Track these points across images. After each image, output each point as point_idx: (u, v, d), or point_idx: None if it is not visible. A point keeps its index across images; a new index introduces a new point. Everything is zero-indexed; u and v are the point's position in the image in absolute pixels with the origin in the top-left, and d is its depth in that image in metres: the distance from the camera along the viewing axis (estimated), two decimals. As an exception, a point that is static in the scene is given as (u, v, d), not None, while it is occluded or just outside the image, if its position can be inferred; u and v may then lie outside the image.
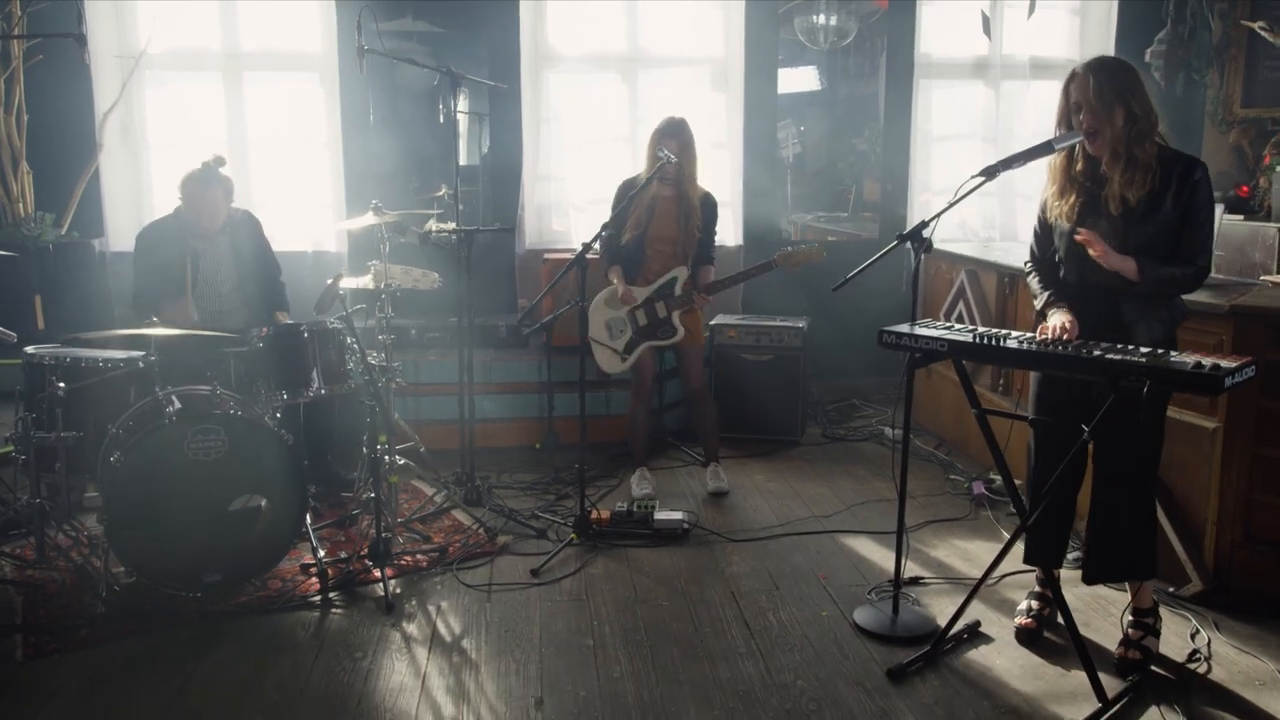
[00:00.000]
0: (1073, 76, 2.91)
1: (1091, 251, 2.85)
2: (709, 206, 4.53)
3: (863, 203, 6.57)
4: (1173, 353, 2.62)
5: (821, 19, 6.32)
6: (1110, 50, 6.38)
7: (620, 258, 4.47)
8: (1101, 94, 2.82)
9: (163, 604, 3.40)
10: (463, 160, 6.02)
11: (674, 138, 4.27)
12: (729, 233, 6.22)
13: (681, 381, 4.72)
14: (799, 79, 6.45)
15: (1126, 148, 2.85)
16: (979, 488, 4.55)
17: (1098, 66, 2.87)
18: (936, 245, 5.80)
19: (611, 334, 4.47)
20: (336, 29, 5.62)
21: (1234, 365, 2.47)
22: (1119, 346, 2.71)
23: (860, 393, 6.30)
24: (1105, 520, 3.04)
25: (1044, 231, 3.15)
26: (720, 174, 6.19)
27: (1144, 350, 2.64)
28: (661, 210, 4.39)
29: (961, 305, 5.20)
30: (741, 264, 5.94)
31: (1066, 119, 2.94)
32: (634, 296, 4.43)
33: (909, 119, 6.40)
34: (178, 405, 3.50)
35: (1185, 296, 3.03)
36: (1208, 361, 2.49)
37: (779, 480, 4.86)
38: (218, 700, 2.90)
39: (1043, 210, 3.14)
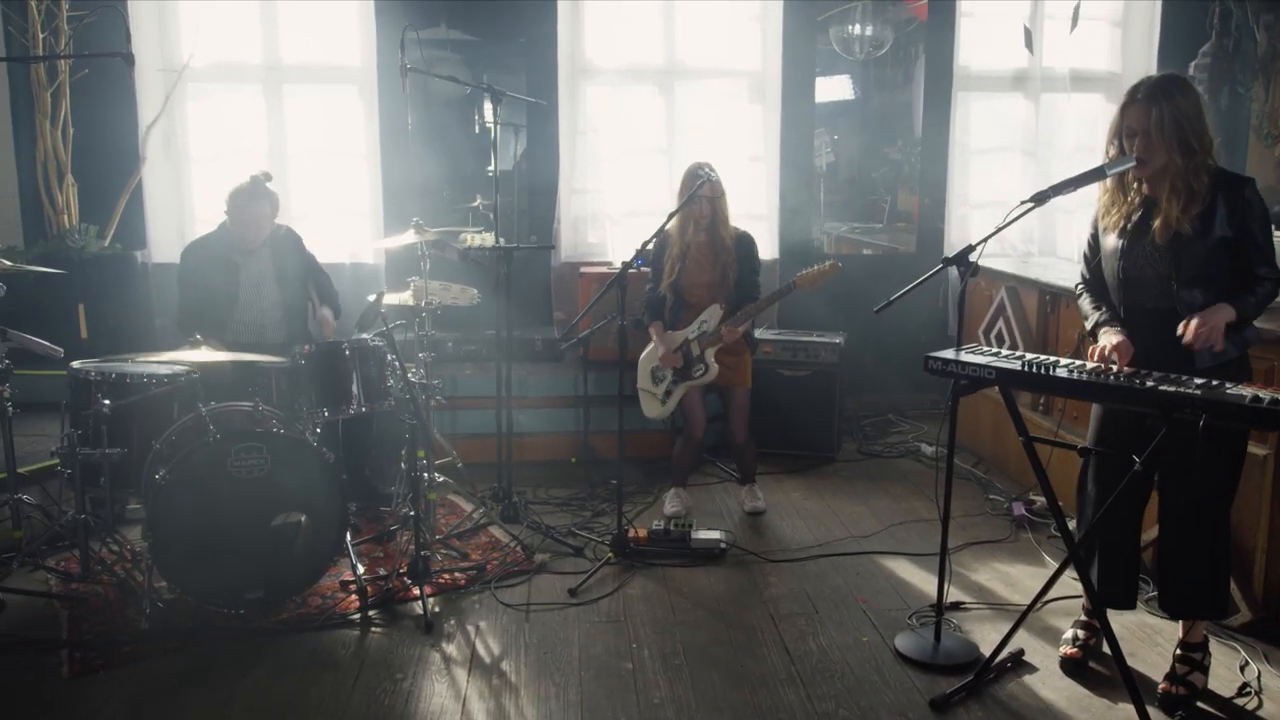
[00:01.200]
0: (1132, 99, 2.83)
1: (1190, 340, 2.73)
2: (744, 244, 4.45)
3: (897, 213, 6.53)
4: (1228, 384, 2.57)
5: (857, 29, 6.30)
6: (1153, 64, 6.31)
7: (660, 310, 4.47)
8: (1162, 128, 2.76)
9: (205, 620, 3.43)
10: (498, 170, 6.03)
11: (700, 180, 4.22)
12: (764, 247, 6.16)
13: (726, 430, 4.66)
14: (833, 88, 6.42)
15: (1185, 181, 2.79)
16: (1019, 509, 4.50)
17: (1159, 94, 2.79)
18: (976, 260, 5.77)
19: (655, 380, 4.51)
20: (376, 42, 5.66)
21: (1292, 400, 2.41)
22: (1173, 377, 2.66)
23: (897, 408, 6.25)
24: (1171, 556, 2.98)
25: (1094, 255, 3.10)
26: (756, 187, 6.18)
27: (1199, 381, 2.59)
28: (695, 255, 4.38)
29: (1001, 323, 5.15)
30: (778, 277, 5.92)
31: (1119, 138, 2.89)
32: (672, 356, 4.43)
33: (947, 132, 6.35)
34: (221, 423, 3.53)
35: None
36: (1265, 395, 2.43)
37: (816, 498, 4.83)
38: (261, 718, 2.91)
39: (1093, 233, 3.09)
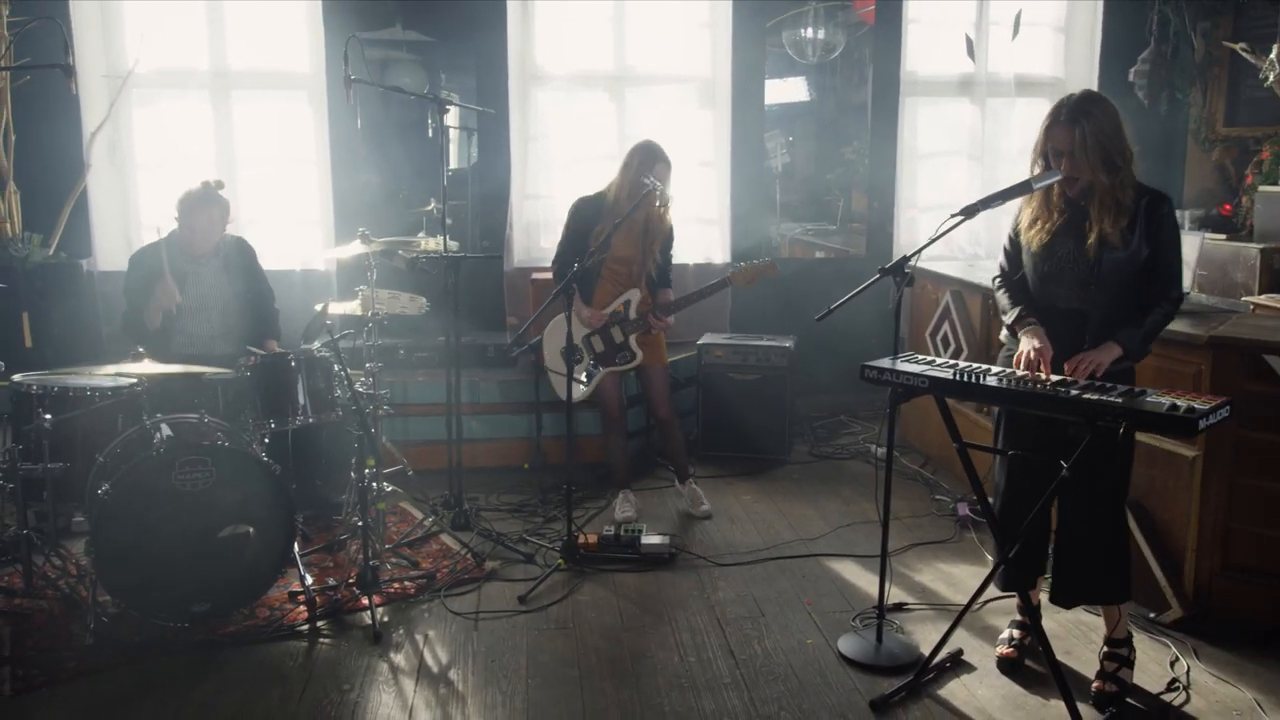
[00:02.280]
0: (1055, 120, 2.92)
1: (1073, 376, 2.89)
2: (671, 233, 4.54)
3: (851, 214, 6.61)
4: (1149, 392, 2.66)
5: (809, 33, 6.36)
6: (1094, 69, 6.45)
7: (580, 286, 4.43)
8: (1086, 148, 2.86)
9: (151, 635, 3.41)
10: (452, 171, 6.04)
11: (661, 163, 4.28)
12: (716, 251, 6.26)
13: (648, 409, 4.70)
14: (787, 90, 6.48)
15: (1113, 197, 2.89)
16: (963, 509, 4.59)
17: (1079, 114, 2.88)
18: (922, 264, 5.86)
19: (569, 363, 4.47)
20: (325, 49, 5.63)
21: (1208, 407, 2.50)
22: (1096, 385, 2.76)
23: (848, 409, 6.33)
24: (1073, 544, 3.08)
25: (1014, 250, 3.20)
26: (708, 192, 6.23)
27: (1121, 389, 2.68)
28: (623, 231, 4.33)
29: (947, 326, 5.24)
30: (729, 282, 5.97)
31: (1044, 155, 2.98)
32: (602, 316, 4.42)
33: (895, 136, 6.45)
34: (166, 435, 3.51)
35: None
36: (1183, 403, 2.53)
37: (765, 501, 4.90)
38: (206, 735, 2.92)
39: (1014, 230, 3.18)
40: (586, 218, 4.41)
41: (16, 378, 3.72)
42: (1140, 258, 2.94)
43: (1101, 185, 2.89)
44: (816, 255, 6.58)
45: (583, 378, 4.45)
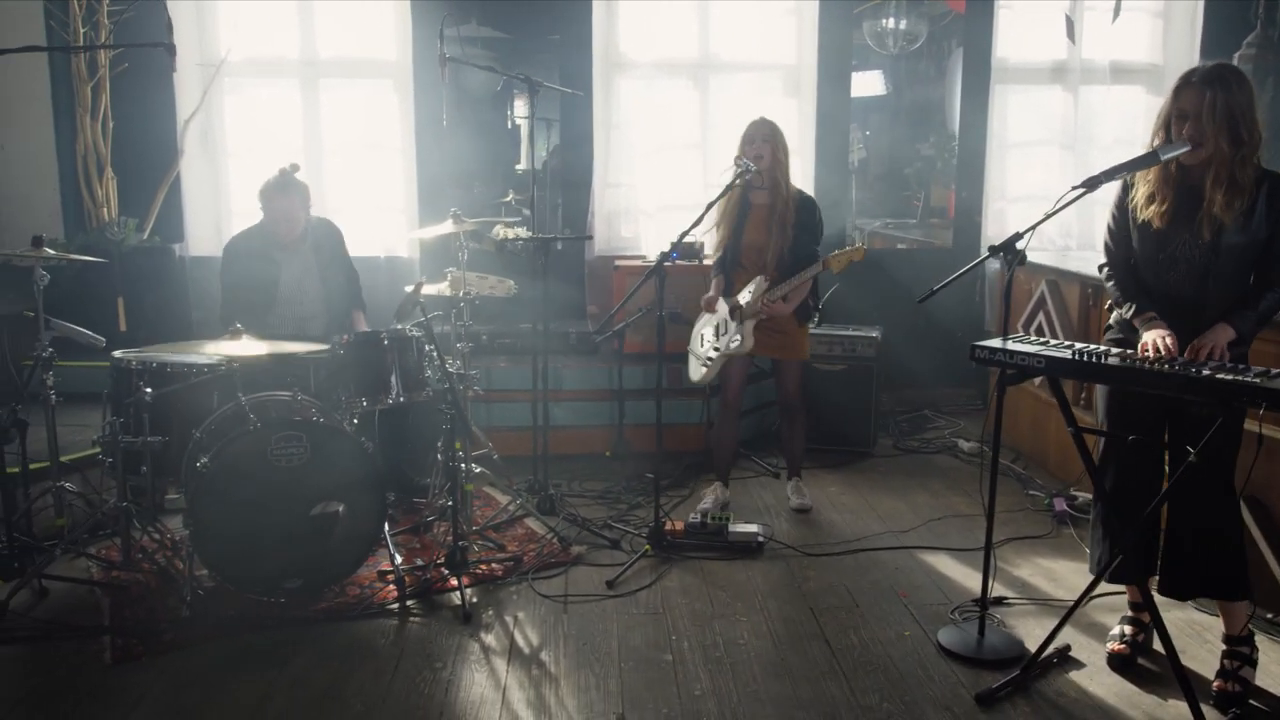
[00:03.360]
0: (1187, 82, 2.80)
1: (1202, 349, 2.75)
2: (806, 208, 4.33)
3: (930, 209, 6.46)
4: (1273, 370, 2.51)
5: (891, 23, 6.24)
6: (1195, 55, 6.21)
7: (725, 268, 4.38)
8: (1214, 113, 2.73)
9: (245, 609, 3.44)
10: (531, 165, 6.02)
11: (758, 140, 4.17)
12: (800, 240, 6.15)
13: (777, 392, 4.60)
14: (864, 83, 6.36)
15: (1230, 171, 2.75)
16: (1060, 504, 4.43)
17: (1215, 80, 2.76)
18: (1014, 254, 5.70)
19: (702, 343, 4.42)
20: (411, 36, 5.66)
21: (1353, 387, 2.36)
22: (1228, 366, 2.62)
23: (932, 403, 6.18)
24: (1185, 533, 2.94)
25: (1120, 231, 3.06)
26: (792, 180, 6.11)
27: (1255, 370, 2.54)
28: (755, 217, 4.26)
29: (1041, 316, 5.08)
30: (813, 271, 5.88)
31: (1167, 124, 2.84)
32: (714, 306, 4.35)
33: (985, 125, 6.28)
34: (261, 411, 3.54)
35: None
36: (1325, 382, 2.38)
37: (853, 493, 4.79)
38: (302, 707, 2.91)
39: (1119, 208, 3.04)
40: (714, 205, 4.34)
41: (117, 354, 3.78)
42: (1259, 242, 2.81)
43: (1222, 155, 2.75)
44: (898, 247, 6.43)
45: (705, 355, 4.37)
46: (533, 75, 5.81)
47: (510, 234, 4.52)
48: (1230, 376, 2.49)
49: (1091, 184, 2.83)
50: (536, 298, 4.56)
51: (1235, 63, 6.00)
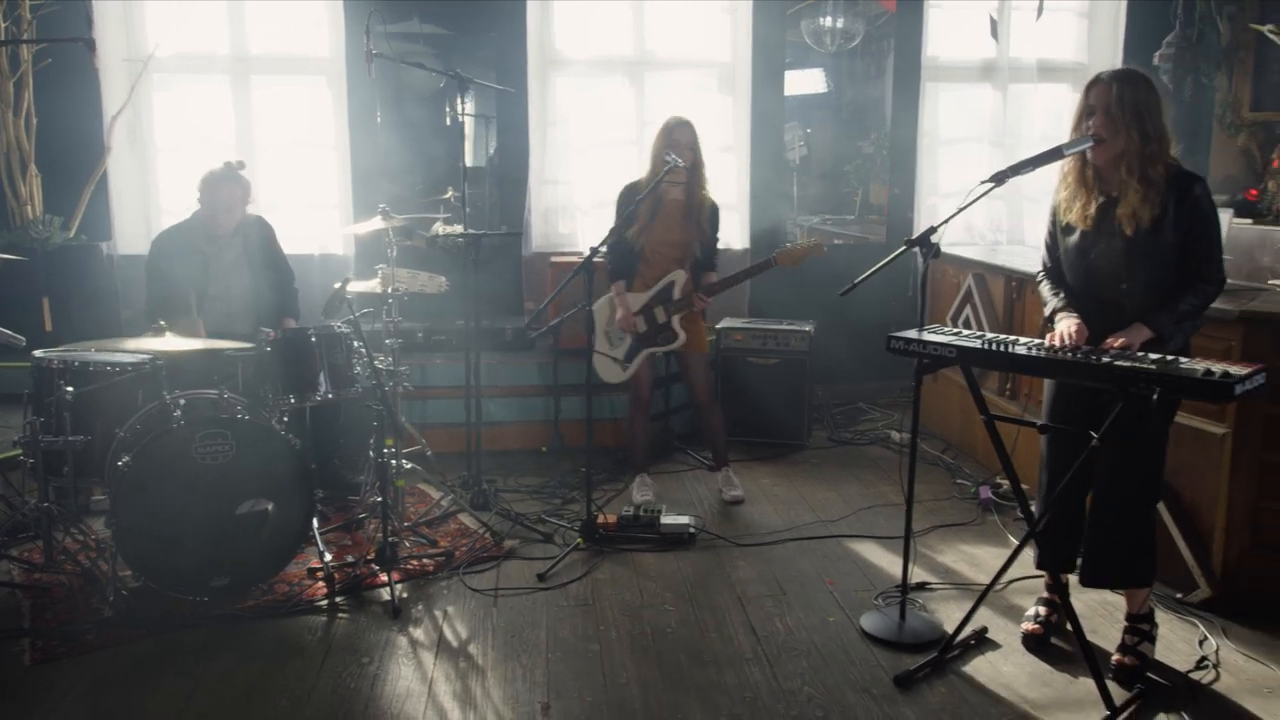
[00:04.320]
0: (1095, 81, 2.90)
1: (1114, 344, 2.83)
2: (715, 212, 4.48)
3: (869, 205, 6.56)
4: (1183, 360, 2.61)
5: (828, 21, 6.32)
6: (1118, 53, 6.38)
7: (624, 268, 4.43)
8: (1123, 105, 2.82)
9: (170, 608, 3.41)
10: (469, 162, 6.03)
11: (684, 141, 4.24)
12: (735, 236, 6.23)
13: (688, 392, 4.67)
14: (805, 81, 6.43)
15: (1140, 165, 2.84)
16: (986, 492, 4.54)
17: (1124, 77, 2.87)
18: (944, 249, 5.81)
19: (611, 343, 4.44)
20: (344, 32, 5.62)
21: (1244, 373, 2.46)
22: (1128, 353, 2.71)
23: (866, 396, 6.29)
24: (1105, 525, 3.04)
25: (1054, 244, 3.15)
26: (727, 177, 6.19)
27: (1153, 357, 2.64)
28: (667, 212, 4.35)
29: (969, 309, 5.19)
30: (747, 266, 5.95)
31: (1081, 123, 2.94)
32: (631, 320, 4.40)
33: (916, 122, 6.40)
34: (185, 409, 3.51)
35: None
36: (1218, 369, 2.48)
37: (785, 485, 4.86)
38: (225, 705, 2.90)
39: (1052, 222, 3.13)
40: (624, 204, 4.39)
41: (38, 353, 3.72)
42: (1174, 245, 2.88)
43: (1133, 147, 2.84)
44: (834, 242, 6.52)
45: (622, 358, 4.41)
46: (473, 71, 5.81)
47: (443, 230, 4.51)
48: (1128, 363, 2.58)
49: (999, 178, 2.91)
50: (470, 293, 4.56)
51: (1155, 62, 6.24)
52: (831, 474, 5.02)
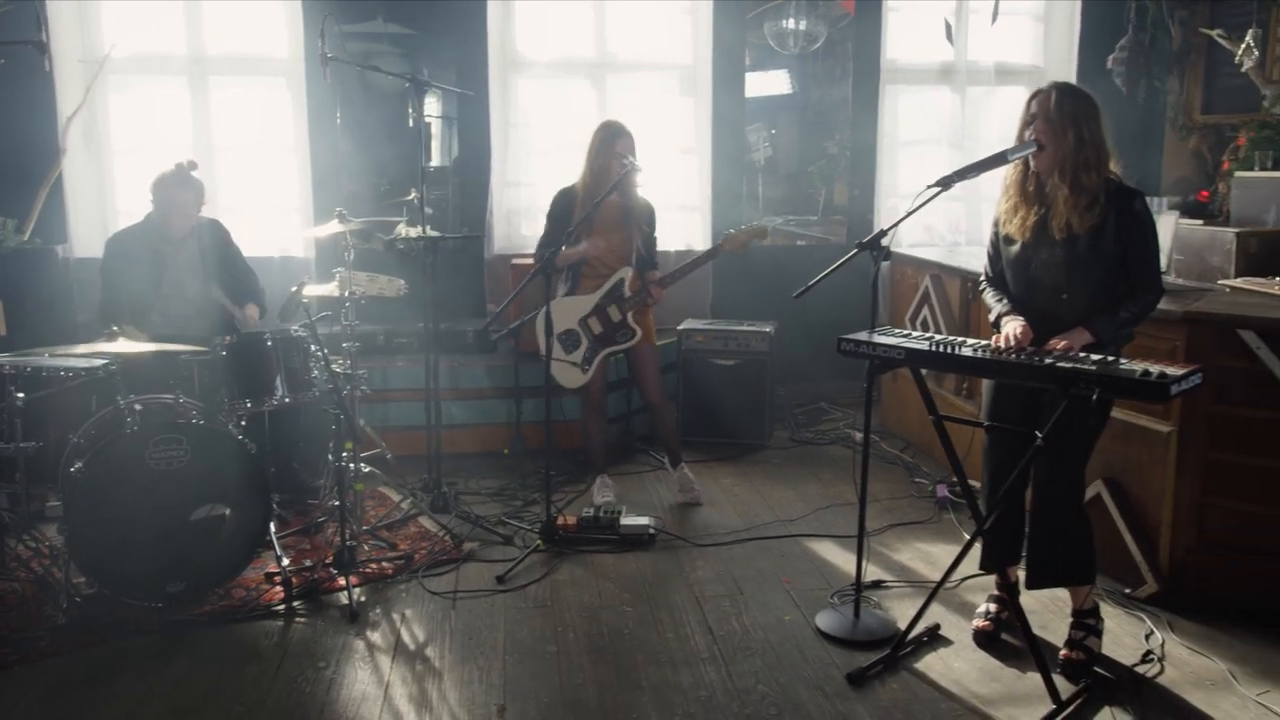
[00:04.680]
0: (1037, 91, 2.98)
1: (1056, 346, 2.88)
2: (650, 211, 4.53)
3: (833, 206, 6.61)
4: (1122, 360, 2.67)
5: (791, 23, 6.36)
6: (1073, 57, 6.48)
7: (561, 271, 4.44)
8: (1061, 110, 2.89)
9: (125, 614, 3.39)
10: (434, 163, 6.03)
11: (629, 140, 4.29)
12: (697, 238, 6.26)
13: (640, 391, 4.68)
14: (770, 82, 6.48)
15: (1074, 170, 2.90)
16: (943, 490, 4.60)
17: (1064, 88, 2.95)
18: (903, 250, 5.89)
19: (566, 349, 4.45)
20: (303, 34, 5.59)
21: (1180, 373, 2.52)
22: (1071, 355, 2.77)
23: (828, 396, 6.34)
24: (1045, 525, 3.09)
25: (996, 254, 3.21)
26: (689, 179, 6.23)
27: (1094, 358, 2.69)
28: (604, 215, 4.36)
29: (926, 310, 5.26)
30: (710, 269, 5.99)
31: (1023, 131, 3.00)
32: (600, 245, 4.40)
33: (875, 124, 6.46)
34: (139, 414, 3.49)
35: None
36: (1155, 369, 2.54)
37: (745, 484, 4.90)
38: (179, 711, 2.90)
39: (995, 232, 3.19)
40: (565, 208, 4.41)
41: (-12, 358, 3.68)
42: (1114, 256, 2.94)
43: (1067, 151, 2.90)
44: (798, 243, 6.58)
45: (580, 362, 4.43)
46: (438, 72, 5.82)
47: (403, 233, 4.51)
48: (1069, 364, 2.64)
49: (944, 183, 2.96)
50: (429, 296, 4.56)
51: (1109, 65, 6.34)
52: (792, 473, 5.06)
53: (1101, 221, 2.92)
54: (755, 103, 6.42)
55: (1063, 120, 2.88)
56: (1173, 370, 2.54)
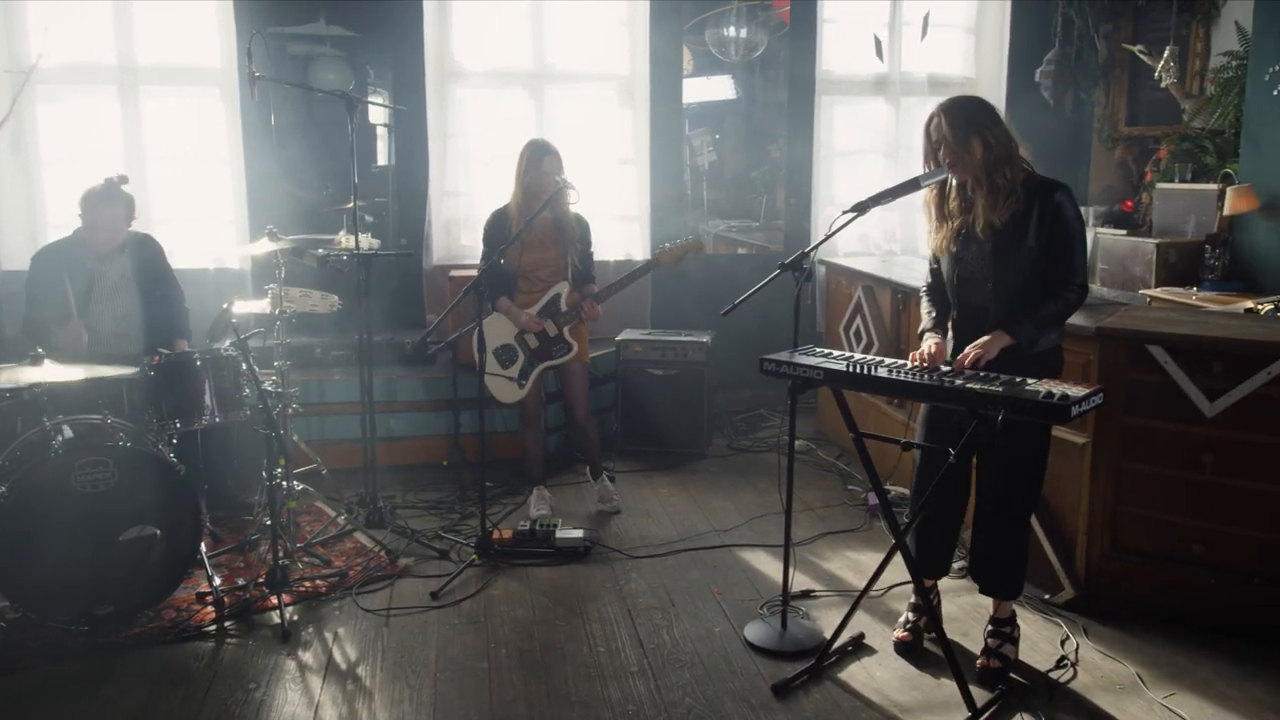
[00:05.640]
0: (930, 119, 3.06)
1: (970, 354, 2.97)
2: (584, 225, 4.57)
3: (775, 211, 6.71)
4: (1029, 381, 2.76)
5: (732, 31, 6.44)
6: (1003, 69, 6.63)
7: (497, 293, 4.45)
8: (956, 130, 2.98)
9: (53, 639, 3.36)
10: (374, 173, 6.01)
11: (556, 156, 4.34)
12: (636, 248, 6.31)
13: (566, 407, 4.70)
14: (715, 88, 6.55)
15: (988, 175, 2.99)
16: (874, 499, 4.69)
17: (950, 107, 3.03)
18: (839, 260, 6.00)
19: (502, 364, 4.48)
20: (235, 44, 5.55)
21: (1081, 394, 2.62)
22: (982, 375, 2.86)
23: (767, 403, 6.42)
24: (983, 540, 3.19)
25: (936, 262, 3.29)
26: (627, 189, 6.28)
27: (1003, 379, 2.79)
28: (537, 231, 4.39)
29: (859, 321, 5.36)
30: (650, 279, 6.04)
31: (932, 157, 3.09)
32: (538, 321, 4.44)
33: (811, 134, 6.55)
34: (66, 436, 3.46)
35: None
36: (1057, 390, 2.64)
37: (682, 494, 4.96)
38: (105, 737, 2.89)
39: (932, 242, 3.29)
40: (499, 230, 4.43)
41: (-92, 379, 3.62)
42: (1035, 250, 3.01)
43: (975, 161, 2.98)
44: (739, 251, 6.67)
45: (518, 376, 4.46)
46: (381, 77, 5.81)
47: (334, 250, 4.50)
48: (978, 386, 2.73)
49: (860, 208, 3.06)
50: (363, 312, 4.56)
51: (1037, 78, 6.50)
52: (728, 483, 5.13)
53: (1023, 210, 2.98)
54: (700, 108, 6.50)
55: (960, 138, 2.97)
56: (1075, 391, 2.64)
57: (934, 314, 3.25)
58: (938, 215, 3.17)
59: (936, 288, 3.31)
